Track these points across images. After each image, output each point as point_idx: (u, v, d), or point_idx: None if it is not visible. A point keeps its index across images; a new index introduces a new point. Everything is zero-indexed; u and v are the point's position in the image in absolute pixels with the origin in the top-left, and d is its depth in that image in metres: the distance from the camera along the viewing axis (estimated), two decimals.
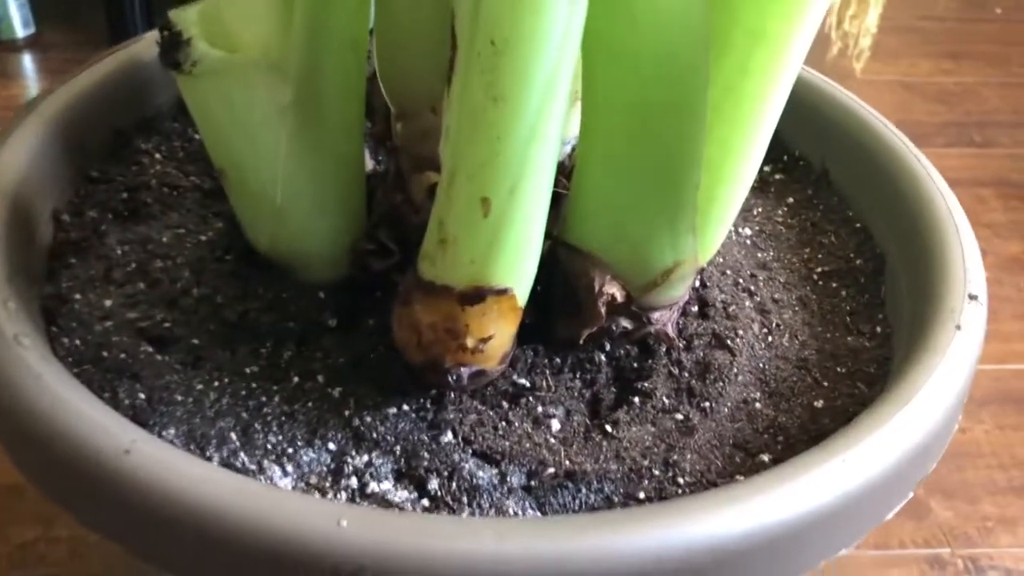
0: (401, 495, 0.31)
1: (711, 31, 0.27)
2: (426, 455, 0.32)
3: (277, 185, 0.35)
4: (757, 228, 0.44)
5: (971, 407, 0.71)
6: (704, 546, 0.26)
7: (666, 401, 0.35)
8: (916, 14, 1.27)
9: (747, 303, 0.39)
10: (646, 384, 0.35)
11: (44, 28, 1.04)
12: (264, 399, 0.34)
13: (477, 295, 0.30)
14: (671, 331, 0.36)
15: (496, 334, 0.32)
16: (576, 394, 0.35)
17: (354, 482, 0.31)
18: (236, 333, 0.36)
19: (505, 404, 0.34)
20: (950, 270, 0.36)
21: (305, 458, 0.32)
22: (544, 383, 0.35)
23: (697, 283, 0.39)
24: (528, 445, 0.33)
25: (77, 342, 0.35)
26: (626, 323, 0.35)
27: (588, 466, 0.32)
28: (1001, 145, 1.03)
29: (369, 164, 0.41)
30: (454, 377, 0.33)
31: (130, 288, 0.37)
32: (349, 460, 0.32)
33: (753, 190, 0.35)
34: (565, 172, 0.36)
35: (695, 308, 0.38)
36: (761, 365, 0.37)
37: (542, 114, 0.26)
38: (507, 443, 0.33)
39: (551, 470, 0.32)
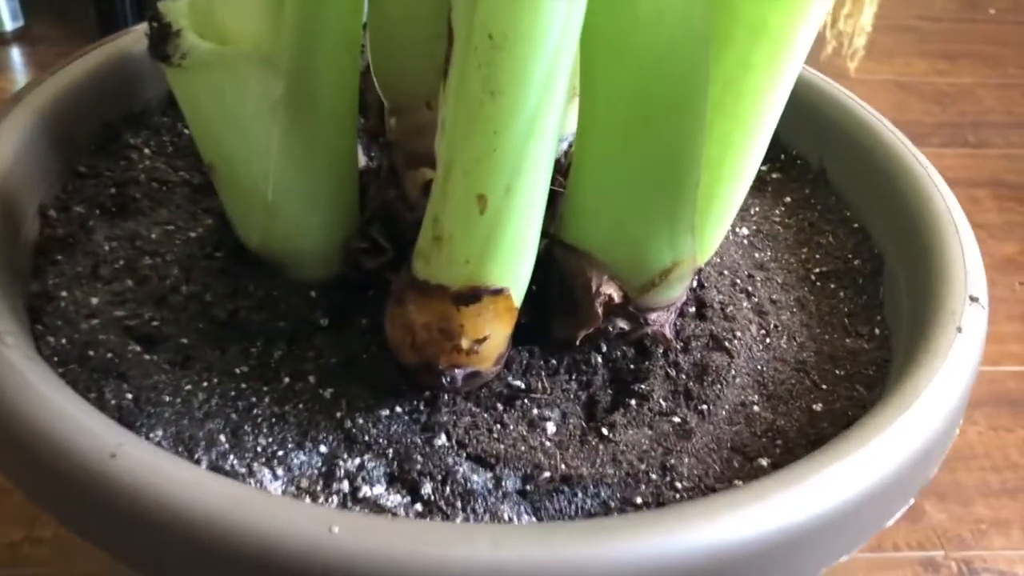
0: (394, 499, 0.31)
1: (712, 26, 0.27)
2: (419, 458, 0.32)
3: (268, 181, 0.34)
4: (754, 227, 0.44)
5: (965, 408, 0.70)
6: (703, 554, 0.26)
7: (663, 404, 0.34)
8: (911, 13, 1.26)
9: (745, 304, 0.39)
10: (643, 386, 0.34)
11: (33, 21, 1.03)
12: (254, 400, 0.33)
13: (472, 295, 0.30)
14: (668, 332, 0.35)
15: (491, 335, 0.31)
16: (572, 396, 0.34)
17: (346, 486, 0.31)
18: (226, 332, 0.36)
19: (500, 406, 0.34)
20: (950, 271, 0.36)
21: (296, 461, 0.31)
22: (539, 385, 0.34)
23: (694, 283, 0.38)
24: (523, 448, 0.32)
25: (63, 341, 0.34)
26: (623, 324, 0.34)
27: (584, 470, 0.31)
28: (995, 146, 1.02)
29: (361, 160, 0.40)
30: (448, 379, 0.32)
31: (117, 285, 0.37)
32: (341, 463, 0.31)
33: (750, 189, 0.35)
34: (561, 169, 0.35)
35: (692, 309, 0.38)
36: (759, 367, 0.36)
37: (540, 109, 0.25)
38: (502, 446, 0.32)
39: (547, 474, 0.31)
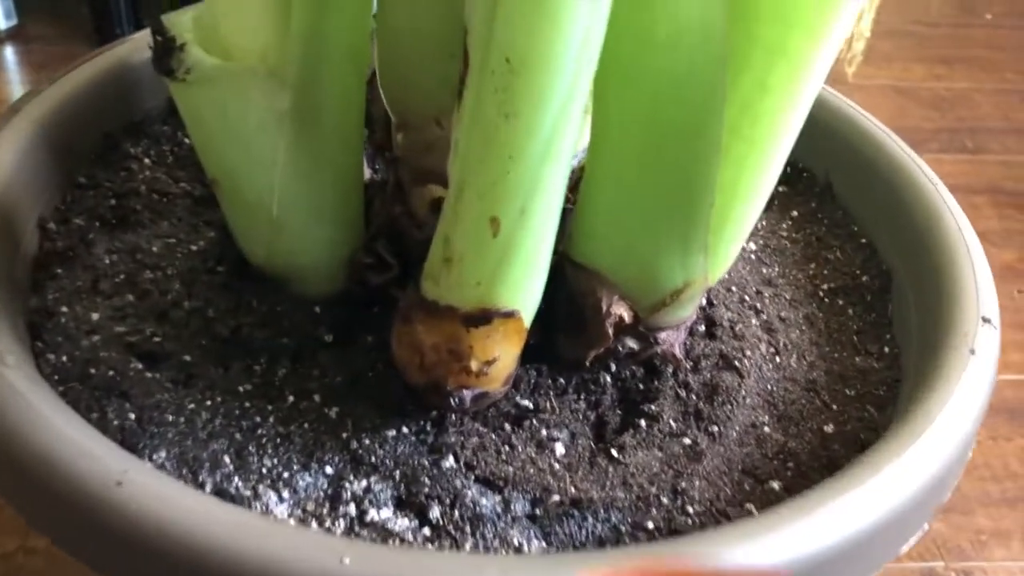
0: (401, 524, 0.30)
1: (729, 47, 0.26)
2: (427, 481, 0.31)
3: (273, 196, 0.34)
4: (761, 242, 0.43)
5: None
6: None
7: (673, 424, 0.34)
8: (908, 18, 1.26)
9: (754, 321, 0.38)
10: (653, 407, 0.34)
11: (27, 20, 1.02)
12: (258, 419, 0.33)
13: (483, 317, 0.29)
14: (678, 352, 0.35)
15: (501, 356, 0.31)
16: (581, 416, 0.34)
17: (352, 509, 0.30)
18: (229, 349, 0.35)
19: (508, 427, 0.33)
20: (962, 291, 0.35)
21: (301, 483, 0.31)
22: (548, 405, 0.34)
23: (703, 301, 0.38)
24: (532, 471, 0.32)
25: (64, 358, 0.33)
26: (632, 343, 0.34)
27: (594, 493, 0.31)
28: (993, 152, 1.02)
29: (366, 173, 0.40)
30: (456, 400, 0.32)
31: (118, 300, 0.36)
32: (347, 485, 0.31)
33: None
34: (571, 185, 0.35)
35: (702, 327, 0.37)
36: (769, 387, 0.36)
37: (556, 133, 0.25)
38: (510, 468, 0.32)
39: (556, 497, 0.31)
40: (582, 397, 0.34)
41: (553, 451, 0.33)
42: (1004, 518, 0.65)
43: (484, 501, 0.31)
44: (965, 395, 0.31)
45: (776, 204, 0.46)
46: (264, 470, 0.31)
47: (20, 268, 0.36)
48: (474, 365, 0.31)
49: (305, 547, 0.25)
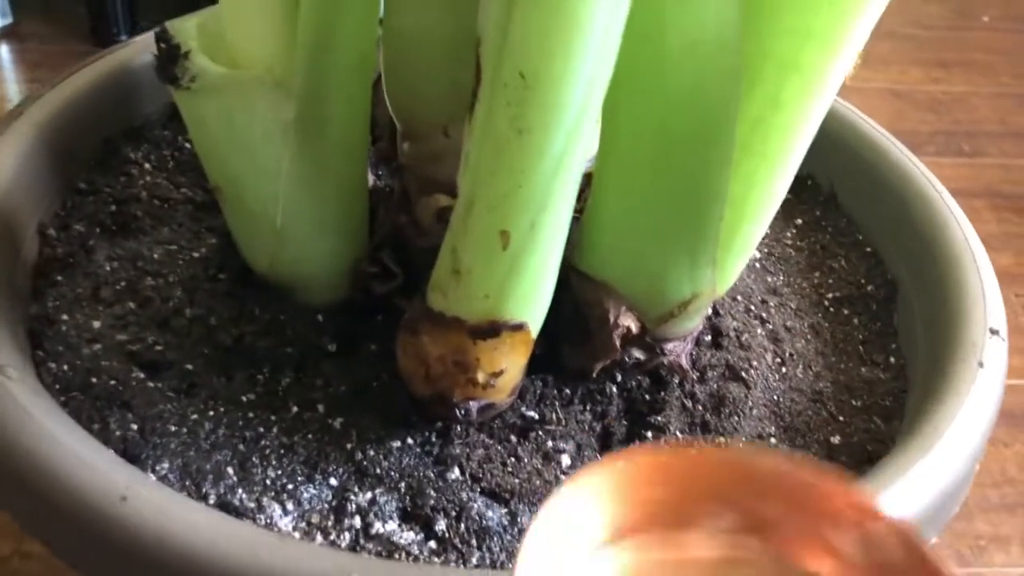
0: (407, 536, 0.30)
1: (742, 62, 0.26)
2: (432, 493, 0.31)
3: (277, 204, 0.33)
4: (766, 251, 0.43)
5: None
6: None
7: (680, 436, 0.34)
8: (906, 21, 1.26)
9: (759, 331, 0.38)
10: (659, 418, 0.34)
11: (22, 18, 1.02)
12: (262, 430, 0.32)
13: (491, 329, 0.29)
14: (685, 362, 0.34)
15: (508, 368, 0.31)
16: (587, 427, 0.34)
17: (357, 521, 0.30)
18: (231, 358, 0.35)
19: (514, 438, 0.33)
20: (969, 302, 0.35)
21: (306, 495, 0.31)
22: (554, 416, 0.34)
23: (709, 311, 0.38)
24: (538, 483, 0.32)
25: (65, 367, 0.33)
26: (639, 354, 0.34)
27: None
28: (990, 155, 1.02)
29: (369, 179, 0.40)
30: (462, 411, 0.31)
31: (119, 308, 0.36)
32: (352, 497, 0.31)
33: None
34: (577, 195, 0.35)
35: (708, 337, 0.37)
36: (775, 398, 0.36)
37: (568, 147, 0.24)
38: (516, 480, 0.32)
39: None
40: (588, 408, 0.34)
41: (559, 462, 0.32)
42: (1003, 524, 0.65)
43: (490, 513, 0.31)
44: (974, 409, 0.31)
45: (780, 212, 0.46)
46: (268, 481, 0.31)
47: (20, 275, 0.36)
48: (481, 377, 0.30)
49: (314, 564, 0.24)
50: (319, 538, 0.29)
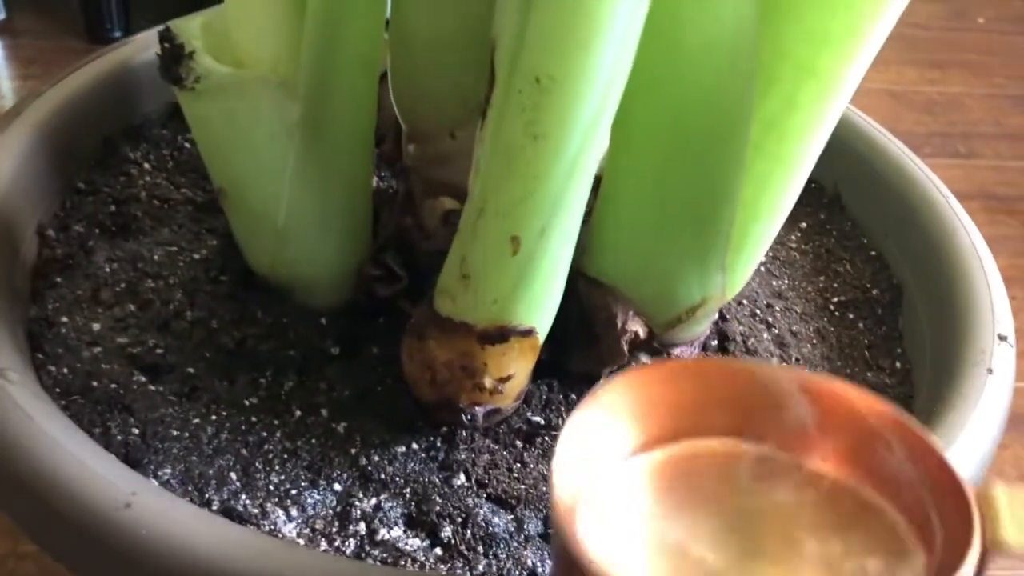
0: (413, 543, 0.30)
1: (758, 64, 0.26)
2: (438, 499, 0.31)
3: (281, 206, 0.33)
4: (771, 254, 0.43)
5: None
6: None
7: None
8: (901, 21, 1.26)
9: (765, 336, 0.38)
10: None
11: (15, 13, 1.01)
12: (265, 434, 0.32)
13: (499, 335, 0.29)
14: None
15: (516, 373, 0.30)
16: None
17: (363, 528, 0.30)
18: (233, 361, 0.34)
19: (519, 443, 0.33)
20: (977, 308, 0.35)
21: (310, 500, 0.30)
22: (559, 421, 0.33)
23: (715, 315, 0.37)
24: (544, 489, 0.31)
25: (65, 370, 0.33)
26: (646, 359, 0.33)
27: None
28: (984, 156, 1.02)
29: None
30: (469, 416, 0.31)
31: (119, 310, 0.35)
32: (356, 503, 0.30)
33: None
34: None
35: (715, 342, 0.37)
36: None
37: (582, 153, 0.24)
38: (523, 486, 0.31)
39: None
40: None
41: None
42: None
43: (496, 520, 0.30)
44: (985, 415, 0.31)
45: None
46: (271, 487, 0.30)
47: (19, 276, 0.35)
48: (488, 382, 0.30)
49: (323, 572, 0.24)
50: (324, 544, 0.29)
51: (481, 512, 0.30)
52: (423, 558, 0.29)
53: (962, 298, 0.36)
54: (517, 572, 0.29)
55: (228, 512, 0.29)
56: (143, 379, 0.33)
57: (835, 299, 0.41)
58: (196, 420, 0.32)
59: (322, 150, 0.32)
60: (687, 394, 0.21)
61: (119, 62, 0.43)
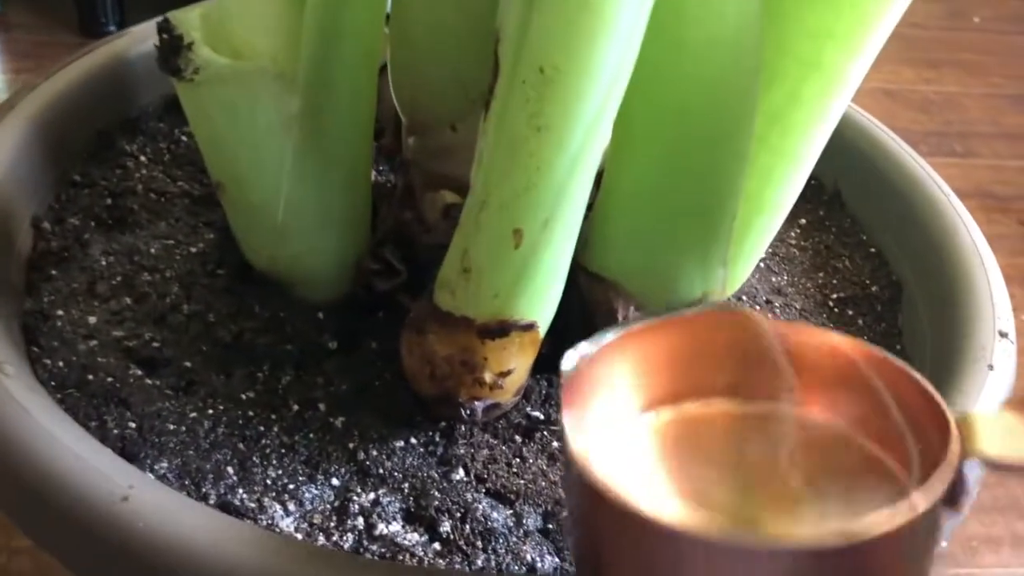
0: (411, 538, 0.29)
1: (762, 58, 0.26)
2: (436, 494, 0.30)
3: (279, 199, 0.33)
4: (770, 250, 0.43)
5: None
6: None
7: None
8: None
9: None
10: None
11: (9, 8, 1.00)
12: (262, 429, 0.32)
13: (500, 329, 0.28)
14: None
15: (516, 367, 0.30)
16: None
17: (360, 522, 0.30)
18: (230, 355, 0.34)
19: (518, 438, 0.33)
20: (978, 305, 0.35)
21: (307, 495, 0.30)
22: (559, 416, 0.33)
23: None
24: (543, 484, 0.31)
25: (60, 364, 0.32)
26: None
27: None
28: (981, 156, 1.03)
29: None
30: (468, 411, 0.31)
31: (115, 304, 0.35)
32: (354, 498, 0.30)
33: None
34: None
35: None
36: None
37: (586, 145, 0.24)
38: (521, 481, 0.31)
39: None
40: None
41: None
42: (995, 525, 0.65)
43: (495, 515, 0.30)
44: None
45: None
46: (269, 481, 0.30)
47: (14, 269, 0.35)
48: (488, 377, 0.30)
49: (323, 567, 0.24)
50: (321, 539, 0.29)
51: (480, 507, 0.30)
52: (421, 553, 0.29)
53: (962, 294, 0.35)
54: (516, 567, 0.29)
55: (225, 506, 0.29)
56: (139, 373, 0.33)
57: (834, 296, 0.41)
58: (193, 414, 0.32)
59: (321, 143, 0.32)
60: (684, 349, 0.23)
61: (115, 55, 0.42)
